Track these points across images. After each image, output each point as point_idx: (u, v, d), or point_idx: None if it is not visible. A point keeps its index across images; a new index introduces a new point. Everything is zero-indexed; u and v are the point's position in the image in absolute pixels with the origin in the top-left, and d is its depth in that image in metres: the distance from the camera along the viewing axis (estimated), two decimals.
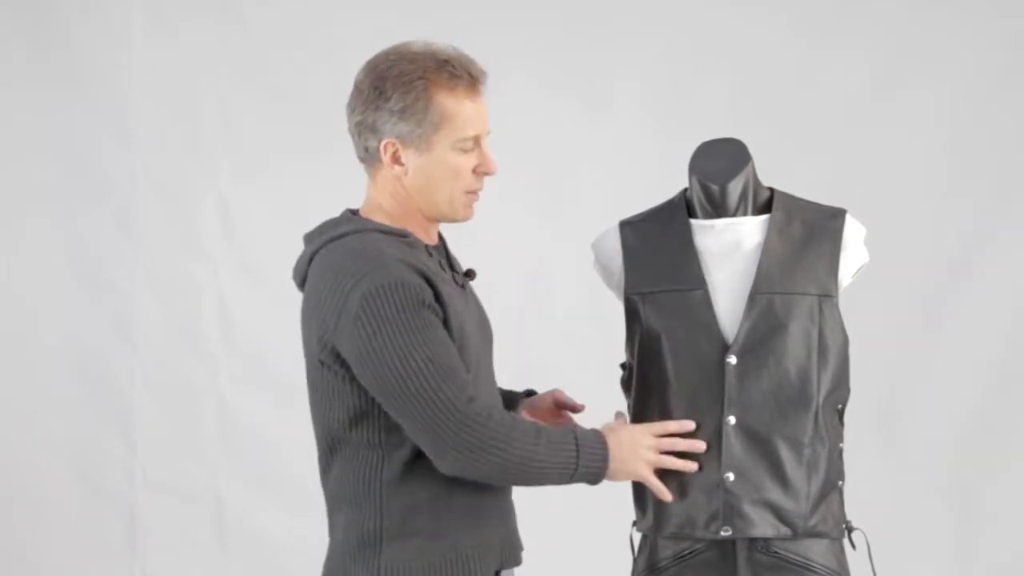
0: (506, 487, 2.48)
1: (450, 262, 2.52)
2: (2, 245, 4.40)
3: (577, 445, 2.37)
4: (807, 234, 2.55)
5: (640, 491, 2.61)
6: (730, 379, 2.49)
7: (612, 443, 2.41)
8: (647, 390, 2.56)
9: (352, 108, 2.46)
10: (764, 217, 2.57)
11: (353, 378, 2.35)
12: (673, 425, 2.49)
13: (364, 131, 2.43)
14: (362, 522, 2.40)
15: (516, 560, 2.52)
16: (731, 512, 2.49)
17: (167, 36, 4.43)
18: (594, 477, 2.40)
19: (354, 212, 2.49)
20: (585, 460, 2.37)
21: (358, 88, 2.44)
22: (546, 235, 4.43)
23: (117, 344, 4.42)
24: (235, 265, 4.45)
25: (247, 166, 4.46)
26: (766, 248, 2.52)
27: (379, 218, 2.45)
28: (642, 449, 2.44)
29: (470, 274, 2.54)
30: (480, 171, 2.43)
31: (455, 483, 2.38)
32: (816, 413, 2.50)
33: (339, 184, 4.18)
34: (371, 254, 2.33)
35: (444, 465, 2.32)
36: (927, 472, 4.39)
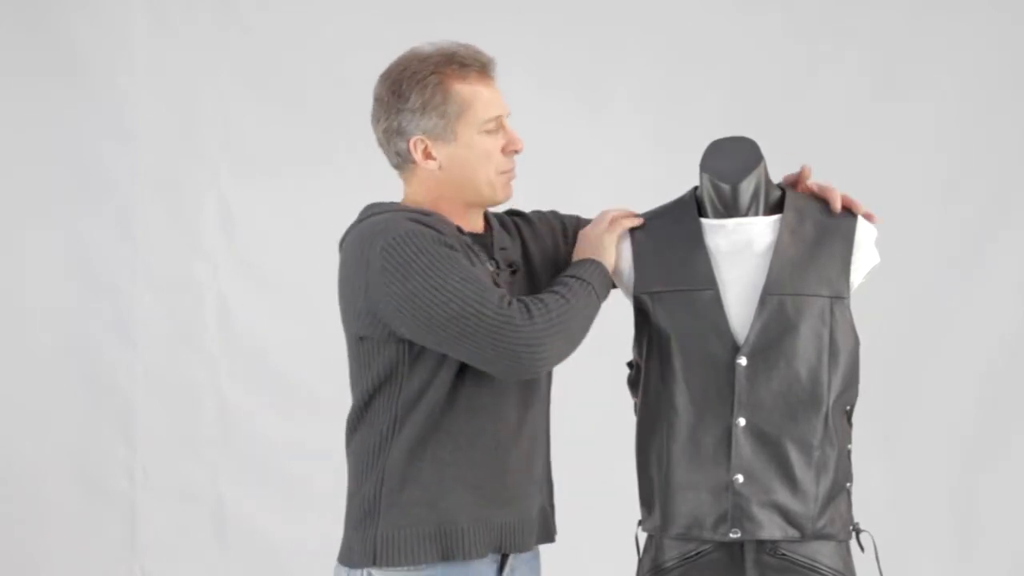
0: (522, 472, 2.50)
1: (491, 252, 2.53)
2: (2, 245, 4.38)
3: (588, 271, 2.51)
4: (819, 235, 2.54)
5: (646, 491, 2.60)
6: (740, 380, 2.47)
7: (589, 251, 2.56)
8: (656, 390, 2.55)
9: (376, 119, 2.53)
10: (776, 217, 2.56)
11: (388, 340, 2.39)
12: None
13: (392, 136, 2.50)
14: (364, 492, 2.44)
15: (522, 546, 2.52)
16: (740, 514, 2.48)
17: (168, 37, 4.42)
18: (605, 282, 2.54)
19: None
20: (596, 280, 2.51)
21: (377, 99, 2.52)
22: None
23: (117, 344, 4.41)
24: (235, 265, 4.44)
25: (247, 166, 4.45)
26: (777, 248, 2.51)
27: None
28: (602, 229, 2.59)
29: (513, 266, 2.56)
30: (508, 150, 2.51)
31: (462, 459, 2.42)
32: (826, 415, 2.49)
33: (339, 184, 4.18)
34: (382, 220, 2.41)
35: (519, 369, 2.35)
36: (929, 473, 4.39)
